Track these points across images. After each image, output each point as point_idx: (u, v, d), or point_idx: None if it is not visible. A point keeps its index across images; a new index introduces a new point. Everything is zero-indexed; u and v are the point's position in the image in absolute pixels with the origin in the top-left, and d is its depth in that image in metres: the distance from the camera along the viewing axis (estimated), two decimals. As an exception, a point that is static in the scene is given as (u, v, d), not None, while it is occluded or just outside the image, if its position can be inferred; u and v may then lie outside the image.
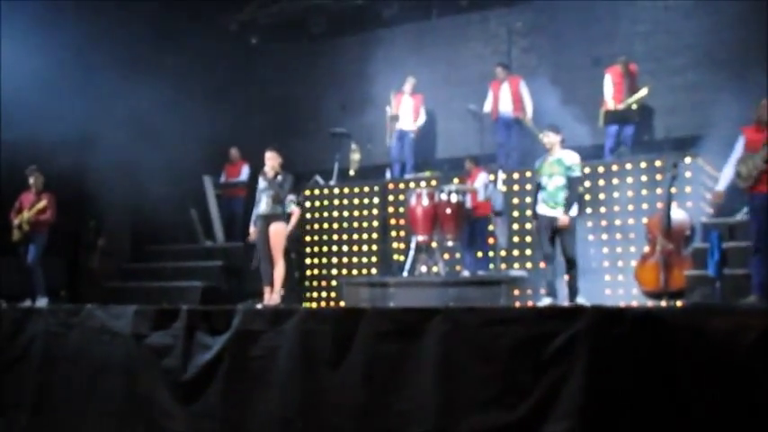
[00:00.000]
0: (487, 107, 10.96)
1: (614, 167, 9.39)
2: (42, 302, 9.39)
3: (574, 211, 7.69)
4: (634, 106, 9.98)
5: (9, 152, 9.96)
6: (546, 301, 7.65)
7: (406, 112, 11.38)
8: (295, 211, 9.26)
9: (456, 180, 10.01)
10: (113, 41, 11.06)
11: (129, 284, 11.00)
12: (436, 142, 11.77)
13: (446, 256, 9.73)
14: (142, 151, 10.88)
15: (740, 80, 8.96)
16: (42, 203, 9.74)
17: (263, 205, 8.35)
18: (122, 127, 10.90)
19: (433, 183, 10.28)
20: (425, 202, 9.40)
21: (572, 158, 7.79)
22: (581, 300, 7.51)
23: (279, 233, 8.27)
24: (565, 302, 7.65)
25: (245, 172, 12.11)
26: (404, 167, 11.34)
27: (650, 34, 10.82)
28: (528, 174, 9.66)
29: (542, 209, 7.79)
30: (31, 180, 9.84)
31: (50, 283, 10.02)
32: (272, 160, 8.45)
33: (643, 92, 9.97)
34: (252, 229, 8.51)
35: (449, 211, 9.32)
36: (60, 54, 10.40)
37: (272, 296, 8.21)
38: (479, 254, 9.67)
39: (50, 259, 10.20)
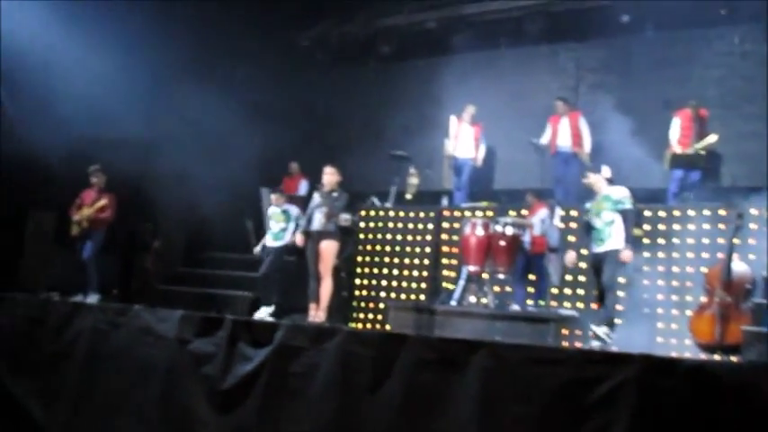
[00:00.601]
0: (545, 140, 10.86)
1: (676, 213, 9.15)
2: (93, 298, 9.54)
3: (619, 242, 7.58)
4: (702, 152, 9.75)
5: (72, 150, 10.16)
6: (594, 345, 7.47)
7: (465, 140, 11.29)
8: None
9: (512, 212, 9.86)
10: (184, 49, 11.26)
11: (180, 288, 11.09)
12: (494, 172, 11.66)
13: (496, 288, 9.57)
14: (204, 158, 11.03)
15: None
16: (103, 202, 9.93)
17: (315, 221, 8.36)
18: (186, 133, 11.07)
19: (489, 213, 10.15)
20: (480, 232, 9.26)
21: (621, 193, 7.77)
22: (601, 338, 7.41)
23: (329, 250, 8.27)
24: (613, 347, 7.45)
25: (303, 186, 12.20)
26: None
27: (724, 80, 10.58)
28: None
29: (592, 247, 7.76)
30: (94, 179, 10.03)
31: (104, 281, 10.18)
32: (330, 176, 8.49)
33: (712, 138, 9.74)
34: (298, 237, 8.55)
35: (503, 243, 9.17)
36: (130, 58, 10.65)
37: (318, 313, 8.18)
38: (531, 289, 9.51)
39: (106, 258, 10.38)
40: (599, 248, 7.70)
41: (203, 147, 11.09)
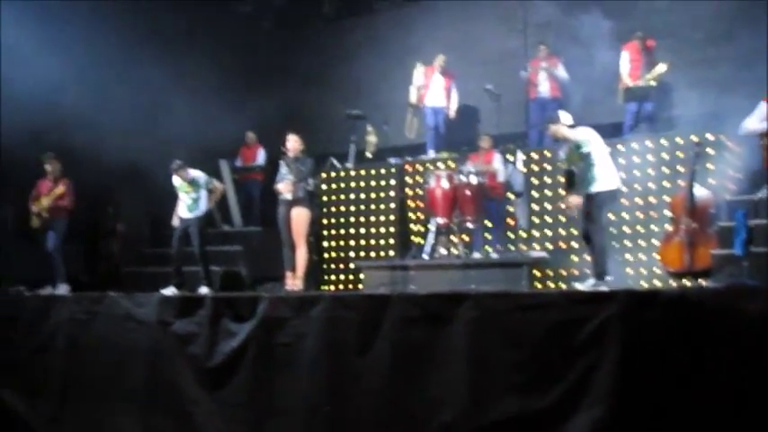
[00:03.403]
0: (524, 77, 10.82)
1: (634, 145, 9.26)
2: (63, 289, 9.40)
3: (602, 184, 7.37)
4: (653, 83, 9.87)
5: (25, 139, 9.92)
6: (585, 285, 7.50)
7: (435, 89, 11.22)
8: (217, 187, 9.52)
9: (470, 160, 9.90)
10: (126, 26, 11.02)
11: (148, 269, 10.97)
12: (452, 122, 11.64)
13: (465, 238, 9.67)
14: (159, 136, 10.88)
15: (759, 54, 8.82)
16: (60, 189, 9.74)
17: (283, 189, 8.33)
18: (139, 112, 10.88)
19: (451, 164, 10.21)
20: (445, 183, 9.31)
21: (581, 135, 7.56)
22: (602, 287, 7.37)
23: (302, 217, 8.24)
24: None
25: (261, 155, 12.14)
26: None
27: (669, 9, 10.67)
28: (546, 153, 9.60)
29: (580, 192, 7.48)
30: (48, 167, 9.81)
31: (70, 269, 10.03)
32: (294, 143, 8.44)
33: (662, 68, 9.85)
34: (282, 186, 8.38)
35: (468, 192, 9.24)
36: (74, 43, 10.39)
37: (295, 281, 8.18)
38: (488, 235, 9.62)
39: (70, 245, 10.22)
40: (586, 191, 7.42)
41: (158, 124, 10.92)
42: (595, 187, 7.35)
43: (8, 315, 8.40)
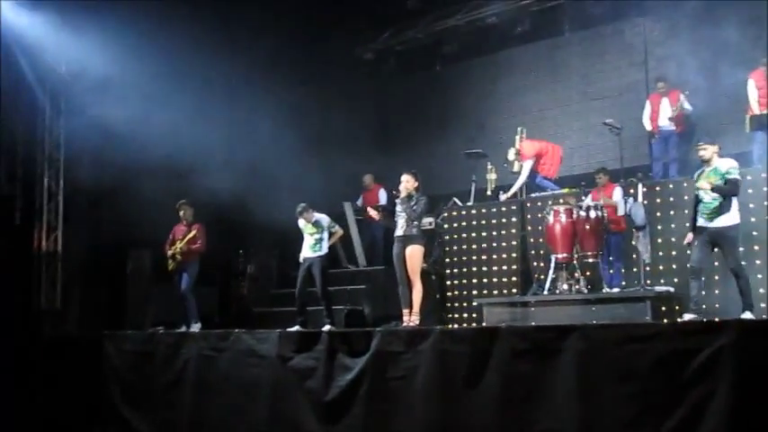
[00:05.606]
0: (645, 119, 10.68)
1: (764, 175, 8.90)
2: (196, 328, 9.85)
3: (735, 218, 7.44)
4: (782, 110, 9.46)
5: (161, 187, 10.57)
6: (688, 317, 7.33)
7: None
8: (338, 231, 9.73)
9: (591, 195, 9.79)
10: (254, 71, 11.59)
11: (276, 309, 11.37)
12: (573, 158, 11.54)
13: (587, 272, 9.50)
14: (285, 179, 11.30)
15: None
16: (193, 233, 10.26)
17: (398, 228, 8.49)
18: (265, 160, 11.35)
19: (572, 199, 10.08)
20: (564, 219, 9.24)
21: (729, 163, 7.56)
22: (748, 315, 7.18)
23: (415, 255, 8.35)
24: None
25: (382, 196, 12.36)
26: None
27: (798, 33, 10.23)
28: (671, 186, 9.36)
29: (700, 221, 7.56)
30: (182, 212, 10.39)
31: (204, 310, 10.50)
32: (405, 183, 8.59)
33: (791, 94, 9.44)
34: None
35: (588, 227, 9.11)
36: (205, 88, 11.05)
37: (411, 318, 8.28)
38: (622, 270, 9.41)
39: (205, 287, 10.75)
40: (710, 223, 7.47)
41: (283, 168, 11.37)
42: (729, 220, 7.42)
43: (145, 352, 8.93)
